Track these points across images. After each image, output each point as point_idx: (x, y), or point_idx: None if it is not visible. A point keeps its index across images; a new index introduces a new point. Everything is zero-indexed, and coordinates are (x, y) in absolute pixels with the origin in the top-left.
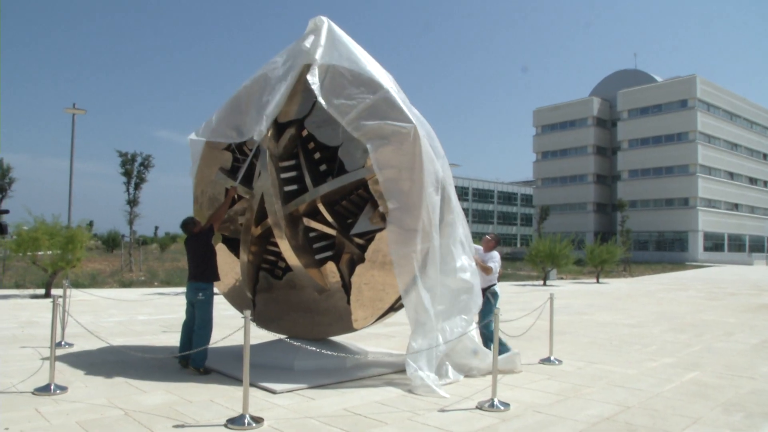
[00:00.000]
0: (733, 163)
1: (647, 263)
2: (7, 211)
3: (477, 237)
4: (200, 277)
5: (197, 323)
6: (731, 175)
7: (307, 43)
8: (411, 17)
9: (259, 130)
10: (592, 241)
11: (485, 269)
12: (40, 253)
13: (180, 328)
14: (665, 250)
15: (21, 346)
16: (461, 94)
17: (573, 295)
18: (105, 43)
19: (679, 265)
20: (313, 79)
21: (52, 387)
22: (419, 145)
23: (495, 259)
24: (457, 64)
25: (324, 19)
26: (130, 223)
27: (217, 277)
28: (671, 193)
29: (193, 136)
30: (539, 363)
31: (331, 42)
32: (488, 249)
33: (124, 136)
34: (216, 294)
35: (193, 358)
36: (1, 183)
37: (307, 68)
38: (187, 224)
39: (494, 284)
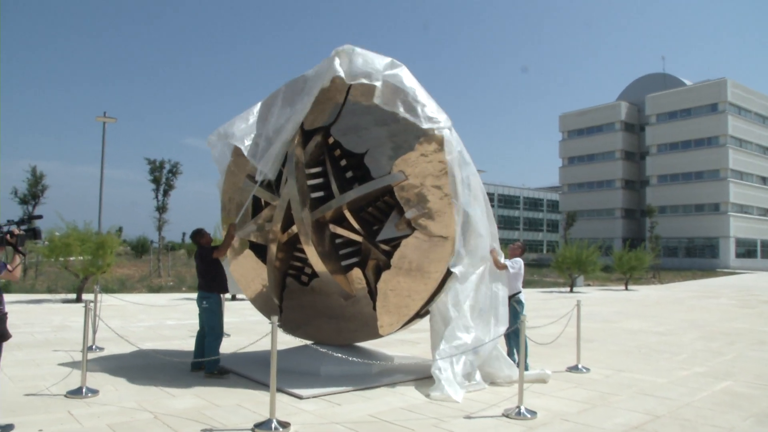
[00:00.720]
0: (766, 167)
1: (677, 270)
2: (40, 216)
3: (503, 243)
4: (206, 287)
5: (206, 331)
6: (764, 180)
7: (336, 64)
8: (434, 22)
9: (263, 171)
10: (621, 248)
11: (497, 262)
12: (71, 258)
13: None
14: (695, 257)
15: (53, 349)
16: (486, 99)
17: (601, 302)
18: (135, 53)
19: (710, 272)
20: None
21: (84, 390)
22: (453, 152)
23: (516, 263)
24: (482, 69)
25: (351, 46)
26: (159, 229)
27: (224, 290)
28: (701, 199)
29: (212, 138)
30: (566, 371)
31: (363, 60)
32: (513, 255)
33: (153, 143)
34: (243, 300)
35: (206, 363)
36: (35, 190)
37: (336, 82)
38: (195, 235)
39: (519, 292)
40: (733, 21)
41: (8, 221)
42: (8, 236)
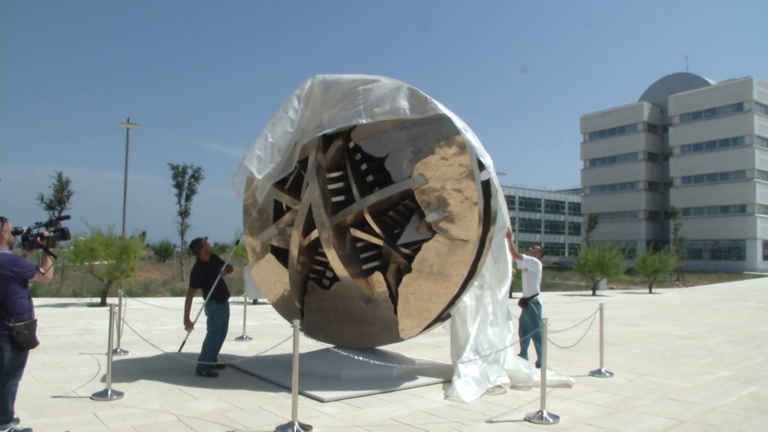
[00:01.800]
0: None
1: (702, 272)
2: (67, 217)
3: (524, 246)
4: (203, 296)
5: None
6: None
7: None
8: (457, 21)
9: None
10: (644, 250)
11: (512, 248)
12: (96, 262)
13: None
14: (721, 259)
15: (79, 352)
16: (507, 101)
17: (624, 305)
18: (157, 59)
19: (736, 274)
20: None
21: (109, 392)
22: (472, 156)
23: (535, 263)
24: (502, 70)
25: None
26: (182, 233)
27: (217, 299)
28: (727, 200)
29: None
30: (589, 375)
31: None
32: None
33: (176, 149)
34: (264, 303)
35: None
36: (60, 195)
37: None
38: (194, 245)
39: (537, 293)
40: (758, 18)
41: (36, 224)
42: (38, 239)
